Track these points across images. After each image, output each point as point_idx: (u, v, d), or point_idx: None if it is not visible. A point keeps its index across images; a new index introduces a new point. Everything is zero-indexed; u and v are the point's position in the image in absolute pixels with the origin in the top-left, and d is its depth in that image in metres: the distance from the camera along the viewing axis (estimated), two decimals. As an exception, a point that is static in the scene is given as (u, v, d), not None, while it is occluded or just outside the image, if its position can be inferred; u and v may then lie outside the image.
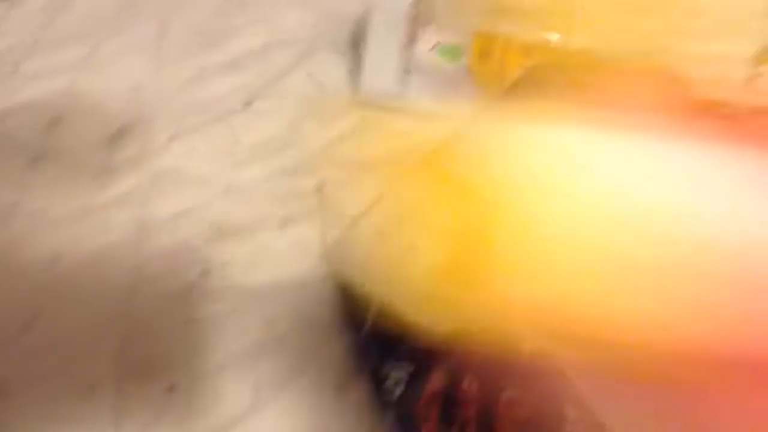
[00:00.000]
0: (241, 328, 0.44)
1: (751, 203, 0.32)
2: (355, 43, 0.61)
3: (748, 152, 0.34)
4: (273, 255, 0.47)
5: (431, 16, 0.68)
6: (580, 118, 0.36)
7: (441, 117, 0.61)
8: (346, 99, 0.61)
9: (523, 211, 0.34)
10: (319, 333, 0.44)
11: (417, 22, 0.62)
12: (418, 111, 0.61)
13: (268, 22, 0.66)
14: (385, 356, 0.39)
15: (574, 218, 0.33)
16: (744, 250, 0.30)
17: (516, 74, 0.65)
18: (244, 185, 0.52)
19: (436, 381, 0.37)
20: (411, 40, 0.62)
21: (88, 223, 0.48)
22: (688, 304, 0.30)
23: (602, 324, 0.30)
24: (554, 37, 0.61)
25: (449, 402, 0.36)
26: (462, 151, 0.43)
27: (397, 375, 0.38)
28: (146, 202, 0.50)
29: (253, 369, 0.42)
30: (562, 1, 0.64)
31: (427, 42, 0.68)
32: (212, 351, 0.43)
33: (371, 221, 0.44)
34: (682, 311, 0.30)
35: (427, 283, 0.36)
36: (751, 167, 0.33)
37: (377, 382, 0.39)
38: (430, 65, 0.66)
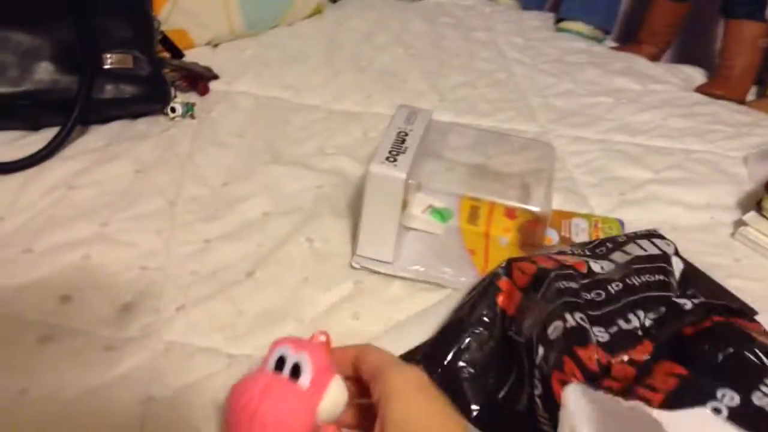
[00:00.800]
0: None
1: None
2: (355, 206, 0.64)
3: None
4: None
5: (422, 183, 0.73)
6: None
7: (431, 283, 0.64)
8: (344, 263, 0.64)
9: None
10: None
11: (409, 188, 0.67)
12: (410, 276, 0.64)
13: (268, 192, 0.70)
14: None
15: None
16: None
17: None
18: (243, 357, 0.54)
19: None
20: (404, 206, 0.66)
21: (94, 405, 0.49)
22: None
23: None
24: (534, 207, 0.65)
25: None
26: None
27: None
28: (153, 378, 0.51)
29: None
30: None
31: (419, 205, 0.72)
32: None
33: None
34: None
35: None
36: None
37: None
38: (423, 227, 0.70)
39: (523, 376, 0.48)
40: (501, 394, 0.50)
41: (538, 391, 0.45)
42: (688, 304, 0.49)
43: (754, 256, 0.74)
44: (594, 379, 0.44)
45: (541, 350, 0.46)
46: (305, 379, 0.43)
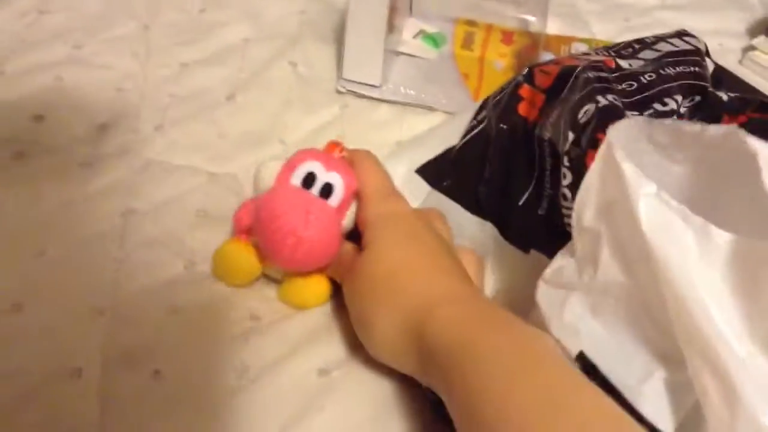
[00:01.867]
0: (225, 315, 0.45)
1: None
2: (341, 32, 0.61)
3: None
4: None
5: (414, 6, 0.69)
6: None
7: (421, 107, 0.62)
8: (329, 88, 0.62)
9: None
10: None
11: (397, 11, 0.63)
12: (399, 100, 0.61)
13: (249, 17, 0.67)
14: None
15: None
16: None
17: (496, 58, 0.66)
18: (227, 176, 0.53)
19: None
20: (391, 29, 0.62)
21: (73, 215, 0.48)
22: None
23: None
24: (532, 19, 0.61)
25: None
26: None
27: None
28: (131, 193, 0.50)
29: (240, 351, 0.43)
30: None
31: (410, 30, 0.69)
32: (197, 338, 0.44)
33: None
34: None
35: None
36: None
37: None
38: (414, 52, 0.67)
39: (544, 179, 0.46)
40: (521, 202, 0.48)
41: (566, 181, 0.42)
42: (724, 96, 0.46)
43: (762, 82, 0.70)
44: None
45: (570, 135, 0.42)
46: (335, 200, 0.43)
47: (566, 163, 0.42)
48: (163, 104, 0.57)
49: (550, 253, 0.39)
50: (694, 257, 0.29)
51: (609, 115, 0.41)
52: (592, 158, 0.39)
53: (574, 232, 0.36)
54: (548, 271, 0.38)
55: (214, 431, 0.40)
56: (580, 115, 0.42)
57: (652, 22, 0.75)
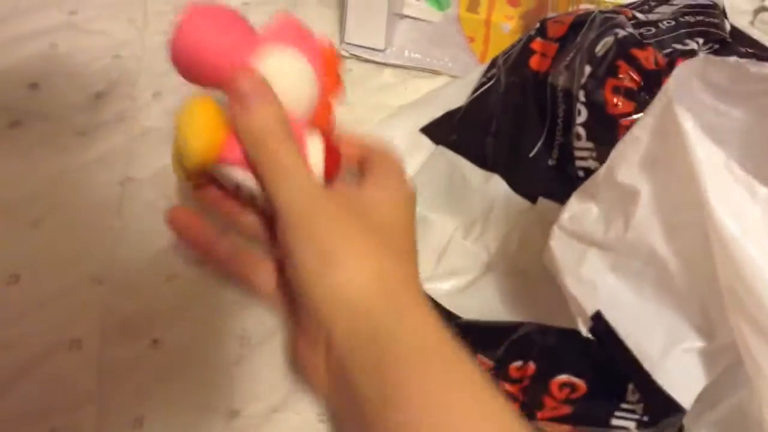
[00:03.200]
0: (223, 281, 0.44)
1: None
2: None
3: None
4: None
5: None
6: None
7: (426, 70, 0.60)
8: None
9: None
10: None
11: (400, -28, 0.61)
12: (403, 64, 0.60)
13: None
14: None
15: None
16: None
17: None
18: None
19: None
20: (395, -9, 0.60)
21: (70, 184, 0.47)
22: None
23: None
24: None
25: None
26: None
27: None
28: (129, 161, 0.49)
29: (240, 318, 0.42)
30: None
31: (415, -8, 0.67)
32: (196, 305, 0.43)
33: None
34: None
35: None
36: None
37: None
38: (419, 15, 0.65)
39: (555, 129, 0.44)
40: (532, 153, 0.46)
41: (581, 119, 0.40)
42: (742, 51, 0.44)
43: (778, 42, 0.68)
44: (655, 79, 0.39)
45: (587, 69, 0.40)
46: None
47: (581, 99, 0.40)
48: (160, 71, 0.55)
49: (560, 201, 0.38)
50: (761, 232, 0.27)
51: (629, 44, 0.39)
52: (611, 87, 0.38)
53: (602, 183, 0.34)
54: (565, 216, 0.35)
55: (214, 399, 0.39)
56: (597, 48, 0.40)
57: (665, -18, 0.72)
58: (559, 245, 0.34)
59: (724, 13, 0.51)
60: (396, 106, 0.57)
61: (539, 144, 0.45)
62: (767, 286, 0.26)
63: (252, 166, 0.30)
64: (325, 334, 0.27)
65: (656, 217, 0.31)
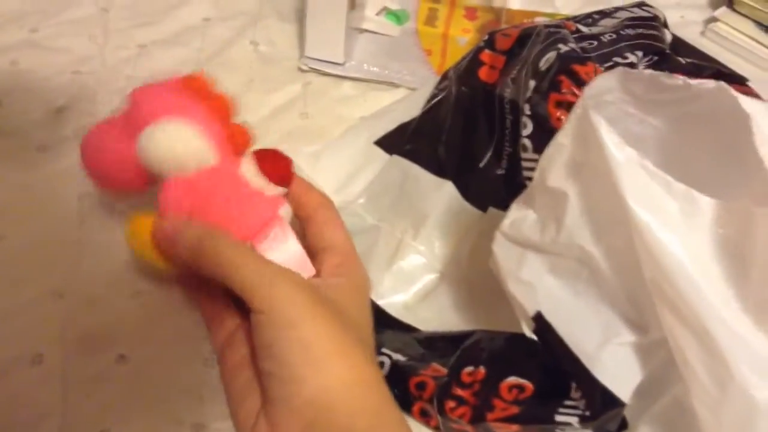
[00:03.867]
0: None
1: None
2: (302, 10, 0.60)
3: None
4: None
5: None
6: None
7: (384, 83, 0.61)
8: (292, 67, 0.61)
9: None
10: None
11: (358, -12, 0.62)
12: (362, 77, 0.61)
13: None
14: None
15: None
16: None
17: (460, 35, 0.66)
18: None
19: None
20: (353, 6, 0.62)
21: (32, 199, 0.48)
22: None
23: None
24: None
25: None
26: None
27: None
28: (90, 176, 0.50)
29: (205, 341, 0.42)
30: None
31: (373, 7, 0.68)
32: (162, 322, 0.44)
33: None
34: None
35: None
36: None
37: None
38: (377, 29, 0.66)
39: (504, 139, 0.46)
40: (482, 163, 0.48)
41: (527, 131, 0.41)
42: (682, 61, 0.46)
43: (723, 53, 0.71)
44: None
45: (531, 84, 0.41)
46: None
47: (527, 112, 0.42)
48: (120, 86, 0.56)
49: (508, 209, 0.39)
50: (678, 225, 0.29)
51: (570, 59, 0.41)
52: (554, 101, 0.39)
53: (536, 190, 0.35)
54: (506, 222, 0.37)
55: (181, 413, 0.40)
56: (541, 63, 0.42)
57: (615, -5, 0.75)
58: (501, 250, 0.35)
59: (665, 25, 0.53)
60: (356, 118, 0.58)
61: (489, 154, 0.46)
62: (687, 277, 0.27)
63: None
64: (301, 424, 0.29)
65: (584, 218, 0.32)
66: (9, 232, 0.46)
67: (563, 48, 0.42)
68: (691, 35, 0.72)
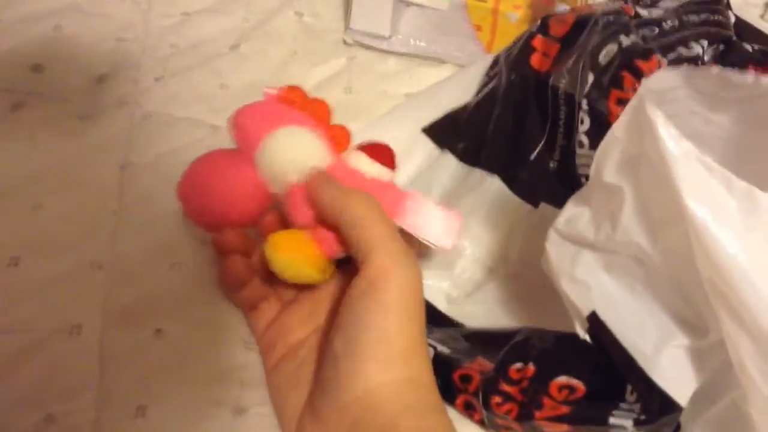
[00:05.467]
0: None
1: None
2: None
3: None
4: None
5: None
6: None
7: (431, 59, 0.59)
8: (336, 39, 0.60)
9: None
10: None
11: (408, -42, 0.60)
12: (409, 52, 0.59)
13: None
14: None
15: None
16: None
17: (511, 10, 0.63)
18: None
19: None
20: (402, -23, 0.60)
21: (71, 168, 0.47)
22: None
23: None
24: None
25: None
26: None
27: None
28: (131, 145, 0.49)
29: (243, 324, 0.42)
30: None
31: (422, -22, 0.66)
32: (201, 297, 0.43)
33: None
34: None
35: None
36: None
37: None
38: (425, 2, 0.64)
39: (556, 131, 0.44)
40: (533, 156, 0.46)
41: (584, 127, 0.40)
42: (749, 47, 0.43)
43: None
44: None
45: (590, 77, 0.39)
46: None
47: (585, 107, 0.40)
48: (164, 55, 0.55)
49: (560, 205, 0.38)
50: (737, 224, 0.27)
51: (633, 54, 0.39)
52: (615, 98, 0.37)
53: (592, 185, 0.34)
54: (561, 220, 0.36)
55: (221, 395, 0.39)
56: (601, 56, 0.40)
57: (676, -28, 0.71)
58: (555, 248, 0.34)
59: (728, 6, 0.50)
60: (401, 94, 0.57)
61: (540, 146, 0.44)
62: (745, 279, 0.26)
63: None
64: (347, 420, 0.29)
65: (640, 215, 0.31)
66: (48, 201, 0.45)
67: (625, 41, 0.39)
68: (751, 17, 0.69)
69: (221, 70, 0.55)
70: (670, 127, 0.28)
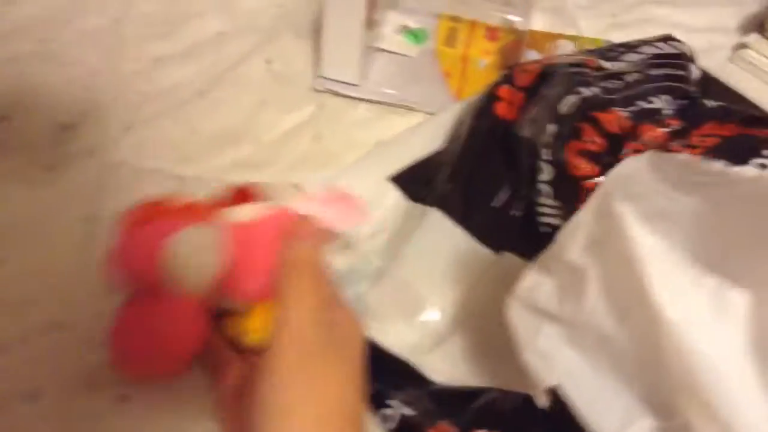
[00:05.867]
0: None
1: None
2: (319, 27, 0.59)
3: None
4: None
5: (395, 0, 0.67)
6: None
7: (402, 106, 0.60)
8: (306, 86, 0.60)
9: None
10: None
11: (376, 6, 0.61)
12: (379, 99, 0.60)
13: (224, 9, 0.64)
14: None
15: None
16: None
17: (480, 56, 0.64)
18: (196, 179, 0.51)
19: None
20: (371, 24, 0.60)
21: (35, 221, 0.47)
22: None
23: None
24: (517, 19, 0.59)
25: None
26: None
27: None
28: (97, 197, 0.49)
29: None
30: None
31: (391, 25, 0.66)
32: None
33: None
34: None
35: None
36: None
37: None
38: (395, 49, 0.65)
39: (521, 179, 0.44)
40: (495, 203, 0.46)
41: (546, 177, 0.40)
42: (711, 103, 0.44)
43: (751, 80, 0.69)
44: (618, 142, 0.39)
45: (551, 128, 0.40)
46: None
47: (545, 157, 0.40)
48: (133, 102, 0.55)
49: (524, 255, 0.38)
50: (707, 321, 0.27)
51: (593, 105, 0.39)
52: (575, 149, 0.38)
53: (554, 258, 0.34)
54: (522, 288, 0.36)
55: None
56: (561, 107, 0.40)
57: (640, 18, 0.73)
58: (517, 316, 0.34)
59: (692, 60, 0.51)
60: (371, 142, 0.57)
61: (504, 193, 0.45)
62: (716, 377, 0.26)
63: None
64: None
65: (606, 297, 0.31)
66: (11, 256, 0.45)
67: (585, 92, 0.40)
68: (719, 60, 0.70)
69: (190, 117, 0.55)
70: (637, 224, 0.29)
